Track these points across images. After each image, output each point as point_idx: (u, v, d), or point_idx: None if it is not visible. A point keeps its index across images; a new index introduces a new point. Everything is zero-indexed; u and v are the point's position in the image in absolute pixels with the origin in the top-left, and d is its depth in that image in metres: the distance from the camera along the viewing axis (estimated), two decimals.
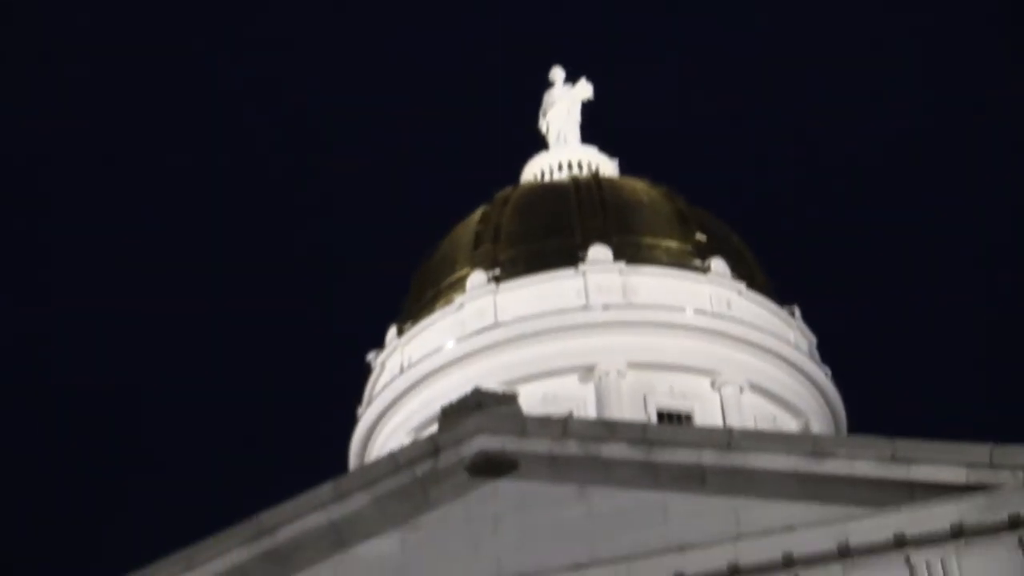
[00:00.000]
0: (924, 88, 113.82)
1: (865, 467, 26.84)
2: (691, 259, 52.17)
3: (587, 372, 47.94)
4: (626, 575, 26.77)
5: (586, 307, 49.25)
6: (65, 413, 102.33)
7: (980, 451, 26.16)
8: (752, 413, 48.25)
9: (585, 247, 51.05)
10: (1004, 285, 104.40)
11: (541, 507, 28.40)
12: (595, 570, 26.95)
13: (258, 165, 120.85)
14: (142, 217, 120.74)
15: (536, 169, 60.93)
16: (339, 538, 28.93)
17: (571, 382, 47.97)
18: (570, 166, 60.10)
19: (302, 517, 28.88)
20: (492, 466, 29.04)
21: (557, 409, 44.62)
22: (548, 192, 56.93)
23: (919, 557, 26.02)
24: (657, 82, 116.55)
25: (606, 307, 49.15)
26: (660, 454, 28.09)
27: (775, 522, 26.71)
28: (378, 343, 55.14)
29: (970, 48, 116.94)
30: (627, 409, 46.18)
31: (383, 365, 53.78)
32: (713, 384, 48.65)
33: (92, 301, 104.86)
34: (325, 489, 29.15)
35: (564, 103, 62.88)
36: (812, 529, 26.43)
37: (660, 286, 50.55)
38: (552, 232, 52.71)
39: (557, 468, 28.72)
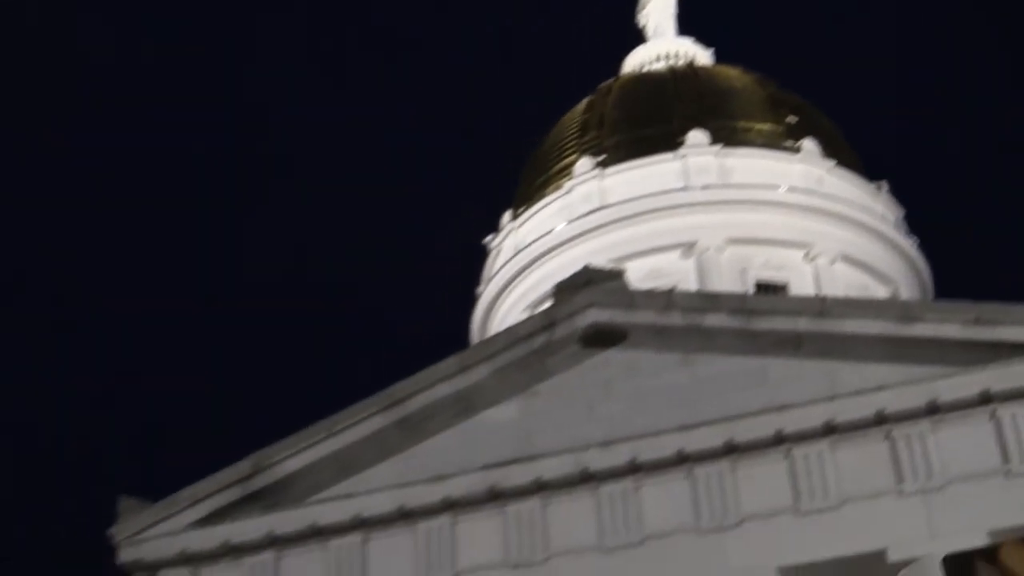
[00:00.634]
0: None
1: (952, 329, 26.73)
2: (783, 140, 51.76)
3: (688, 248, 47.90)
4: (729, 434, 26.94)
5: (686, 188, 49.15)
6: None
7: None
8: (844, 282, 47.98)
9: (683, 132, 50.82)
10: None
11: (649, 374, 28.60)
12: (700, 430, 27.15)
13: None
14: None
15: (636, 61, 60.66)
16: (464, 406, 29.34)
17: (673, 258, 47.96)
18: (667, 57, 59.71)
19: (431, 388, 29.30)
20: (602, 337, 29.25)
21: (661, 283, 44.73)
22: (647, 82, 56.63)
23: (1004, 411, 25.99)
24: None
25: (704, 187, 49.02)
26: (758, 322, 28.13)
27: (867, 383, 26.71)
28: (494, 228, 55.41)
29: None
30: (726, 282, 46.15)
31: (499, 248, 54.09)
32: (806, 256, 48.40)
33: None
34: (451, 362, 29.55)
35: None
36: (902, 388, 26.42)
37: (755, 166, 50.27)
38: (652, 119, 52.49)
39: (663, 338, 28.87)
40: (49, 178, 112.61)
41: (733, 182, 49.33)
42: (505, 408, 29.23)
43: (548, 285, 39.99)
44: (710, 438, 27.08)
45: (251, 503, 29.13)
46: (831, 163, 51.55)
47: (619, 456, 27.37)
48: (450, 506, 28.00)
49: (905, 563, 25.55)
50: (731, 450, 27.04)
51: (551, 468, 27.65)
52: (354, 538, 28.32)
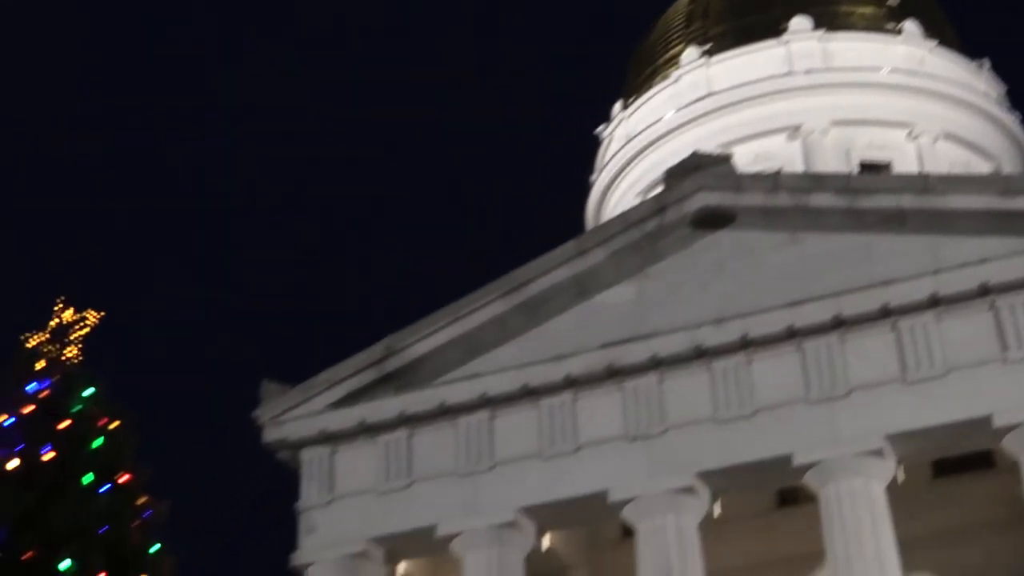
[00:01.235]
0: None
1: None
2: (884, 23, 50.59)
3: (793, 131, 47.24)
4: (837, 308, 26.71)
5: (790, 73, 48.34)
6: None
7: None
8: (947, 160, 47.08)
9: (786, 19, 49.89)
10: None
11: (757, 253, 28.39)
12: (809, 305, 26.95)
13: None
14: None
15: None
16: (581, 289, 29.39)
17: (779, 141, 47.34)
18: None
19: (548, 272, 29.38)
20: (712, 219, 29.06)
21: (768, 166, 44.33)
22: None
23: None
24: None
25: (808, 72, 48.17)
26: (863, 200, 27.74)
27: (971, 256, 26.28)
28: (605, 118, 55.10)
29: None
30: (831, 162, 45.53)
31: (610, 137, 53.81)
32: (909, 135, 47.49)
33: None
34: (567, 247, 29.58)
35: None
36: (1005, 260, 25.96)
37: (857, 49, 49.25)
38: (756, 7, 51.57)
39: (770, 218, 28.60)
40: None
41: (836, 66, 48.42)
42: (620, 290, 29.24)
43: (658, 171, 39.76)
44: (818, 313, 26.88)
45: (384, 385, 29.55)
46: (932, 43, 50.33)
47: (731, 333, 27.30)
48: (571, 383, 28.16)
49: (1009, 428, 25.26)
50: (839, 324, 26.82)
51: (666, 346, 27.67)
52: (481, 415, 28.64)
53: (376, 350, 29.76)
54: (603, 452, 27.54)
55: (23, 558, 18.86)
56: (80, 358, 21.86)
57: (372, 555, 28.34)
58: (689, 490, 26.74)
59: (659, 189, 30.91)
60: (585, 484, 27.42)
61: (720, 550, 27.69)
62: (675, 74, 50.87)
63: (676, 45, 52.33)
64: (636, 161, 50.60)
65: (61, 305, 22.30)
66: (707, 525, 27.23)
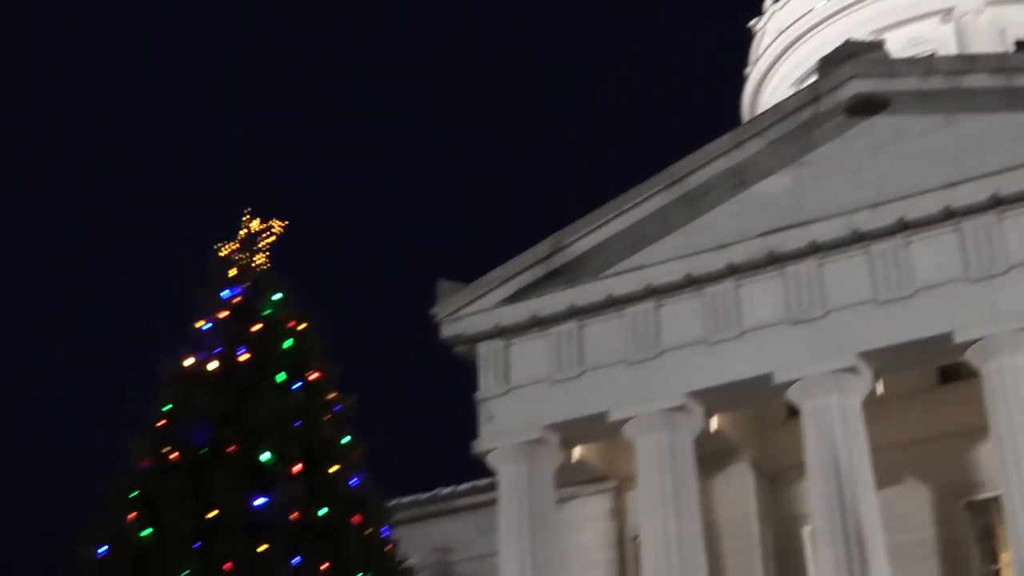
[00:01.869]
0: None
1: None
2: None
3: (946, 14, 45.57)
4: (994, 187, 25.95)
5: None
6: None
7: None
8: None
9: None
10: None
11: (913, 136, 27.67)
12: (965, 186, 26.22)
13: None
14: None
15: None
16: (739, 180, 29.04)
17: (932, 25, 45.74)
18: None
19: (707, 165, 29.08)
20: (866, 106, 28.37)
21: (920, 51, 42.98)
22: None
23: None
24: None
25: None
26: (1019, 79, 26.75)
27: None
28: (758, 11, 53.94)
29: None
30: (985, 44, 43.88)
31: (763, 30, 52.66)
32: None
33: None
34: (725, 140, 29.20)
35: None
36: None
37: None
38: None
39: (925, 102, 27.81)
40: None
41: None
42: (777, 179, 28.81)
43: (811, 62, 38.88)
44: (975, 193, 26.14)
45: (553, 279, 29.67)
46: None
47: (888, 216, 26.73)
48: (732, 271, 27.94)
49: None
50: (997, 203, 26.05)
51: (824, 231, 27.24)
52: (647, 305, 28.60)
53: (544, 247, 29.86)
54: (766, 336, 27.35)
55: (227, 451, 19.40)
56: (268, 265, 22.26)
57: (548, 441, 28.67)
58: (851, 370, 26.43)
59: (813, 79, 30.20)
60: (750, 368, 27.30)
61: (883, 427, 27.39)
62: None
63: None
64: (789, 52, 49.47)
65: (248, 216, 22.68)
66: (870, 403, 26.93)
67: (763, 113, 30.46)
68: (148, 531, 18.41)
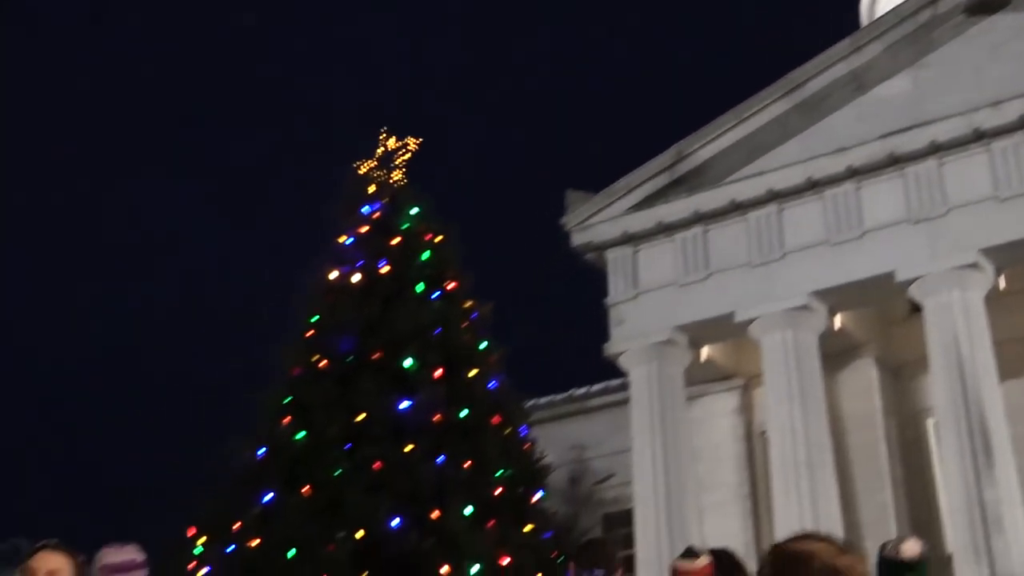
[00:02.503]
0: None
1: None
2: None
3: None
4: None
5: None
6: None
7: None
8: None
9: None
10: None
11: None
12: None
13: None
14: None
15: None
16: (858, 84, 28.33)
17: None
18: None
19: (826, 70, 28.42)
20: (985, 5, 27.42)
21: None
22: None
23: None
24: None
25: None
26: None
27: None
28: None
29: None
30: None
31: None
32: None
33: None
34: (843, 44, 28.48)
35: None
36: None
37: None
38: None
39: None
40: None
41: None
42: (896, 82, 28.03)
43: None
44: None
45: (677, 187, 29.37)
46: None
47: (1009, 113, 25.85)
48: (853, 173, 27.35)
49: None
50: None
51: (944, 131, 26.46)
52: (769, 209, 28.18)
53: (667, 156, 29.56)
54: (887, 235, 26.78)
55: (372, 359, 19.65)
56: (404, 181, 22.35)
57: (677, 342, 28.56)
58: (973, 266, 25.77)
59: None
60: (871, 266, 26.79)
61: (1006, 321, 26.71)
62: None
63: None
64: None
65: (384, 134, 22.75)
66: (992, 298, 26.26)
67: (882, 17, 29.57)
68: (302, 435, 18.82)
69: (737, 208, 28.42)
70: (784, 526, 25.03)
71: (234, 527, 18.17)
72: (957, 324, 25.53)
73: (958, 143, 26.39)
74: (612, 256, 29.71)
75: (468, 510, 17.94)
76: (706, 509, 28.56)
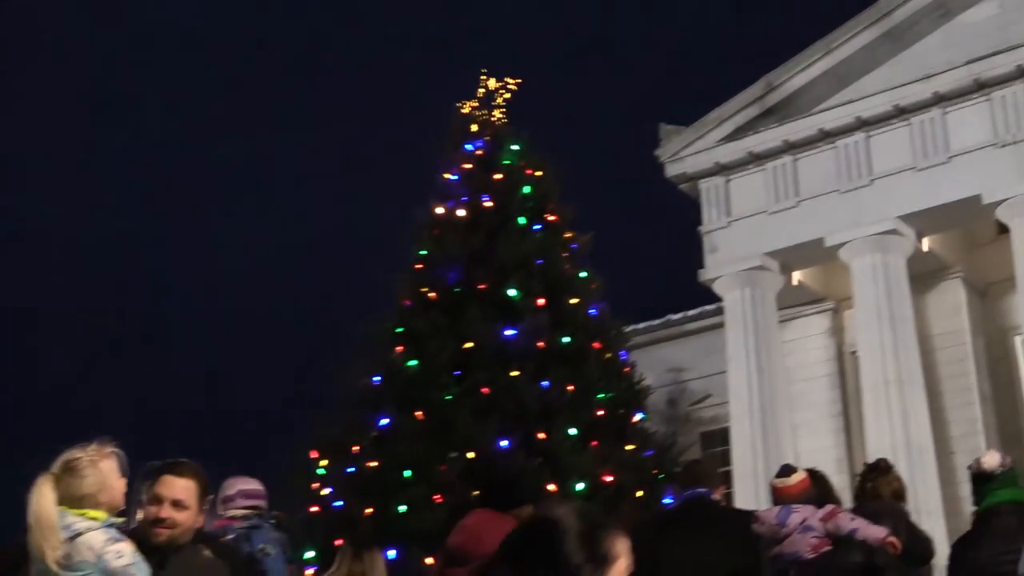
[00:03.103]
0: None
1: None
2: None
3: None
4: None
5: None
6: None
7: None
8: None
9: None
10: None
11: None
12: None
13: None
14: None
15: None
16: (944, 11, 27.63)
17: None
18: None
19: None
20: None
21: None
22: None
23: None
24: None
25: None
26: None
27: None
28: None
29: None
30: None
31: None
32: None
33: None
34: None
35: None
36: None
37: None
38: None
39: None
40: None
41: None
42: (982, 8, 27.28)
43: None
44: None
45: (766, 118, 28.98)
46: None
47: None
48: (939, 99, 26.74)
49: None
50: None
51: None
52: (857, 136, 27.71)
53: (757, 87, 29.15)
54: (974, 159, 26.20)
55: (478, 289, 19.81)
56: (505, 119, 22.35)
57: (769, 267, 28.35)
58: None
59: None
60: (958, 190, 26.26)
61: None
62: None
63: None
64: None
65: (485, 75, 22.74)
66: None
67: None
68: (414, 362, 19.06)
69: (826, 136, 27.99)
70: (875, 443, 24.88)
71: (353, 449, 18.53)
72: None
73: None
74: (705, 186, 29.47)
75: (572, 431, 18.09)
76: (799, 427, 28.45)
